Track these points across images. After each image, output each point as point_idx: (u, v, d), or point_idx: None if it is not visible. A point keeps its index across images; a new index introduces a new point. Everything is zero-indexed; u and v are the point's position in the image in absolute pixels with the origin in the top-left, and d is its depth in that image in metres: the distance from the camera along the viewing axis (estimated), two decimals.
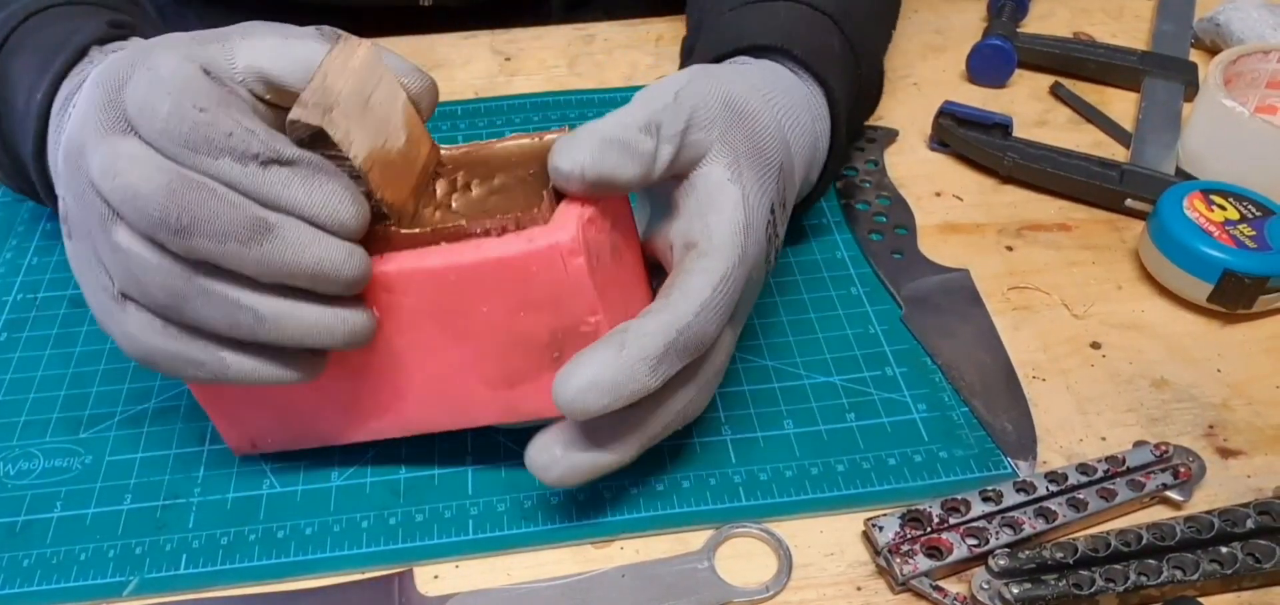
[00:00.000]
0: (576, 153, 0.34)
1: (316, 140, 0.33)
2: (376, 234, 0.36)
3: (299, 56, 0.35)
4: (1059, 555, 0.36)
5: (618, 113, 0.36)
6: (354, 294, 0.35)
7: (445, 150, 0.39)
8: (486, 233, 0.35)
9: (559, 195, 0.36)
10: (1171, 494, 0.39)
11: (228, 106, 0.32)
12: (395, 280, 0.36)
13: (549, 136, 0.38)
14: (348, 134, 0.33)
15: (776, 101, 0.42)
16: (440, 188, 0.38)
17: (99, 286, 0.34)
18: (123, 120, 0.32)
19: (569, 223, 0.35)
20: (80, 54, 0.43)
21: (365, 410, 0.40)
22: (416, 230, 0.36)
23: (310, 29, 0.36)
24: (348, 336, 0.35)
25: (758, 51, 0.47)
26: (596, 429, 0.36)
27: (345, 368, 0.38)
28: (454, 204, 0.37)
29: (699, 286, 0.35)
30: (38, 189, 0.44)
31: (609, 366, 0.34)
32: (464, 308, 0.36)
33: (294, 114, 0.33)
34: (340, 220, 0.33)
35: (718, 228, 0.37)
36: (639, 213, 0.41)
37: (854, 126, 0.53)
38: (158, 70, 0.32)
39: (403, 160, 0.36)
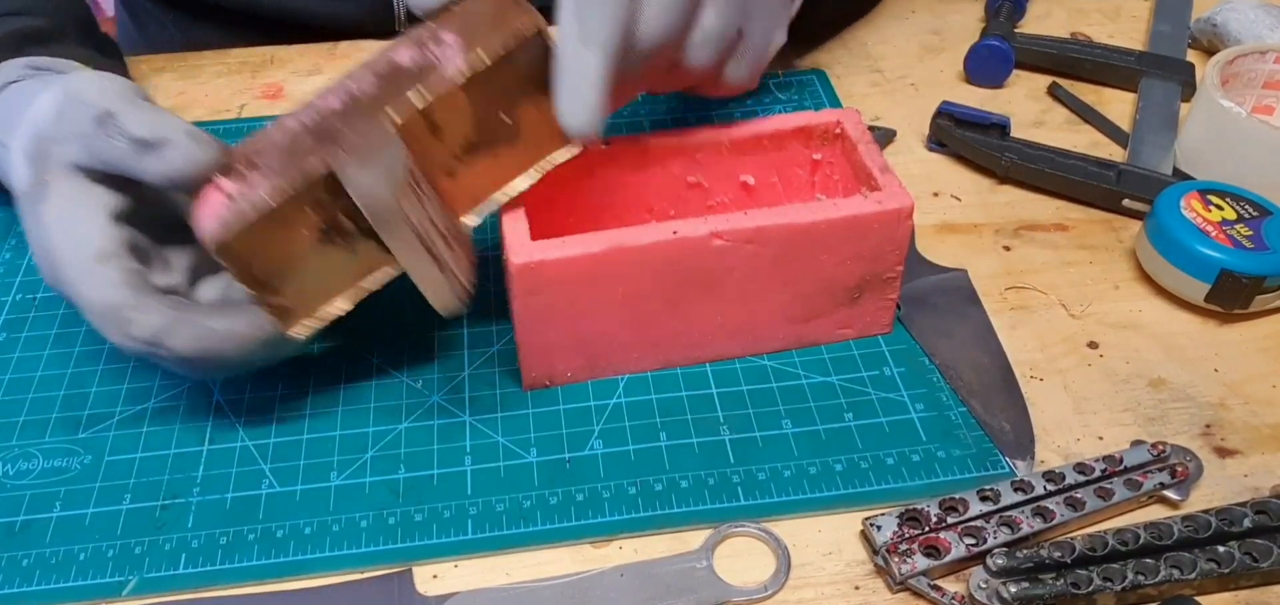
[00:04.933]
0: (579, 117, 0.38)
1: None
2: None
3: (106, 160, 0.38)
4: (1056, 554, 0.36)
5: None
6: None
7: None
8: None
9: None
10: (1168, 493, 0.39)
11: (127, 291, 0.37)
12: (759, 235, 0.41)
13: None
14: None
15: None
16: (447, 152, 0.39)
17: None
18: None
19: (904, 191, 0.42)
20: None
21: (673, 344, 0.44)
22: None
23: (94, 127, 0.38)
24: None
25: None
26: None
27: (675, 306, 0.42)
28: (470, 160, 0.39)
29: None
30: None
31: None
32: (807, 257, 0.42)
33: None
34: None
35: None
36: None
37: None
38: (86, 300, 0.38)
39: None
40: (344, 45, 0.67)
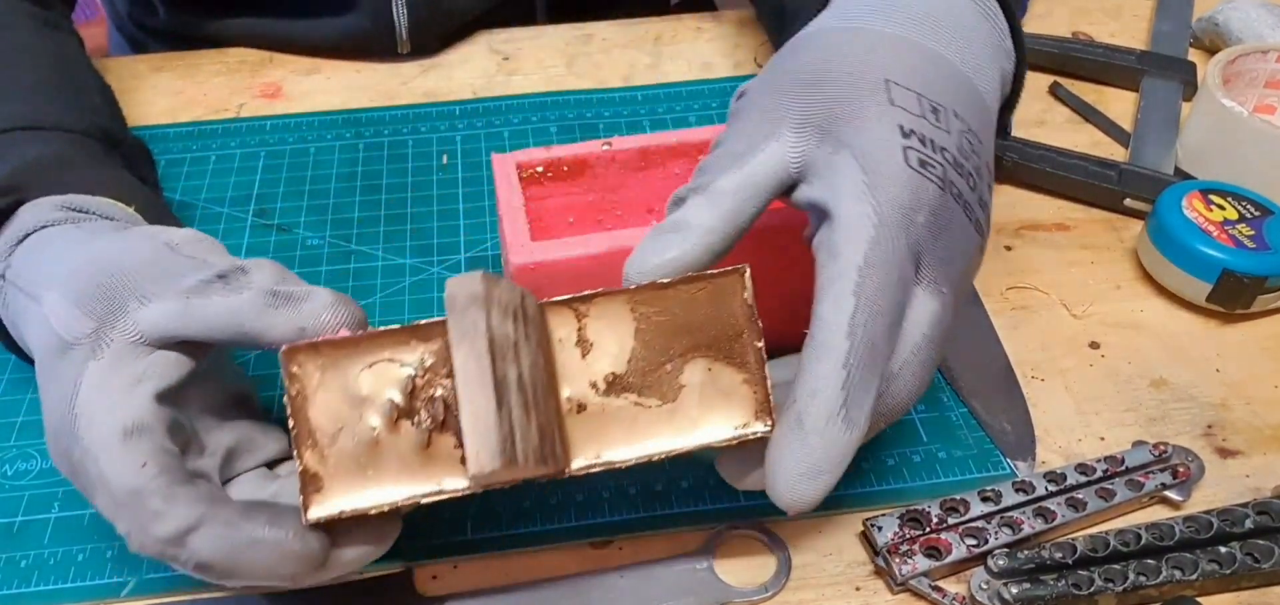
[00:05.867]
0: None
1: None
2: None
3: (206, 319, 0.33)
4: (1058, 555, 0.36)
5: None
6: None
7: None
8: None
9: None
10: (1170, 494, 0.39)
11: (150, 480, 0.31)
12: (759, 236, 0.35)
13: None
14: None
15: (862, 18, 0.36)
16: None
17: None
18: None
19: None
20: None
21: None
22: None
23: (213, 280, 0.33)
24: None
25: None
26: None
27: None
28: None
29: (838, 296, 0.31)
30: None
31: (806, 452, 0.31)
32: (806, 255, 0.35)
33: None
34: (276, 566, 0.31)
35: (834, 204, 0.31)
36: None
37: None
38: (104, 478, 0.31)
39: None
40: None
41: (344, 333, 0.32)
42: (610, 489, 0.40)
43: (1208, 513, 0.38)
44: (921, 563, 0.37)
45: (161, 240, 0.35)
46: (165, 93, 0.63)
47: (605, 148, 0.44)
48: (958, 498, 0.38)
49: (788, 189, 0.34)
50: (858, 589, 0.37)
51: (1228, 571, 0.36)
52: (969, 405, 0.43)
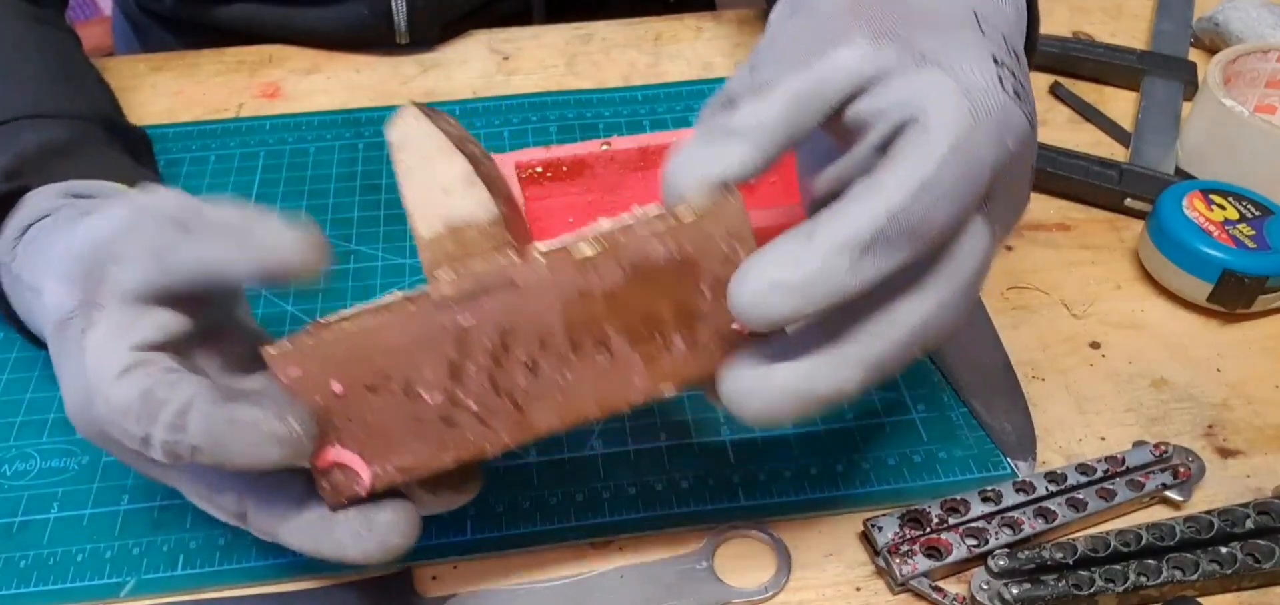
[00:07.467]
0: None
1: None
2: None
3: (180, 266, 0.32)
4: (1058, 555, 0.36)
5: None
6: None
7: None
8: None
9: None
10: (1171, 494, 0.39)
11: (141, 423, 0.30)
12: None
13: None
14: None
15: None
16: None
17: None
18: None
19: None
20: None
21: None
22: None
23: (174, 228, 0.32)
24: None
25: None
26: (799, 346, 0.29)
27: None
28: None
29: (918, 158, 0.27)
30: None
31: (795, 260, 0.27)
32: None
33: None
34: (263, 460, 0.30)
35: (932, 96, 0.28)
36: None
37: None
38: (109, 405, 0.31)
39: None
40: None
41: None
42: (610, 488, 0.40)
43: (1208, 513, 0.38)
44: (922, 563, 0.36)
45: (140, 203, 0.34)
46: (165, 93, 0.63)
47: (605, 148, 0.44)
48: (958, 498, 0.38)
49: (844, 104, 0.30)
50: (858, 589, 0.37)
51: (1228, 572, 0.36)
52: (969, 405, 0.43)
